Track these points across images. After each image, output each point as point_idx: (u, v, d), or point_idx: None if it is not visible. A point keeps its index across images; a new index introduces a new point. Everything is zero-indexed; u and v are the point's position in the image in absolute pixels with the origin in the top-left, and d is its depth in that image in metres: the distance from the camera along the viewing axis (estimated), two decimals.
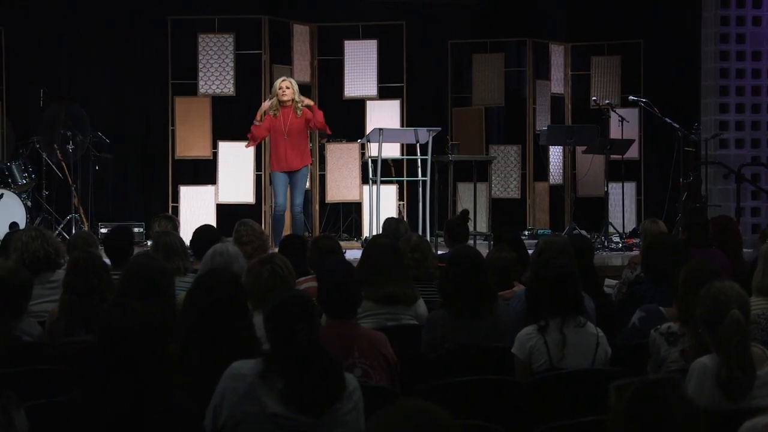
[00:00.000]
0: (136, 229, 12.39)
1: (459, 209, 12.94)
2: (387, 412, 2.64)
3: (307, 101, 11.16)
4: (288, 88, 10.90)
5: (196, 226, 7.85)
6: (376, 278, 5.78)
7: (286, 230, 11.10)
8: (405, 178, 12.84)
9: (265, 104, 11.05)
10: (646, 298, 6.05)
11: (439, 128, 11.61)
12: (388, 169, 13.25)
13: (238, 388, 3.86)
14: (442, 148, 12.00)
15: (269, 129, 10.97)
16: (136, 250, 7.12)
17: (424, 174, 11.50)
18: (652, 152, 14.12)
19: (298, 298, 4.04)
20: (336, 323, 4.78)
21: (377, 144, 11.19)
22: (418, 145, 11.69)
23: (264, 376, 3.85)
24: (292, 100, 10.89)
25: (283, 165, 10.94)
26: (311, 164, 11.44)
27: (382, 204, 11.54)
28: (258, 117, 10.98)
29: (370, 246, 6.12)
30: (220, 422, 3.87)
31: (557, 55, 14.51)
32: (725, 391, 4.12)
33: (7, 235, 7.55)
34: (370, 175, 11.54)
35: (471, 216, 12.08)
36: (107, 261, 6.42)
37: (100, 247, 7.44)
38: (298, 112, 10.89)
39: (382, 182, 11.50)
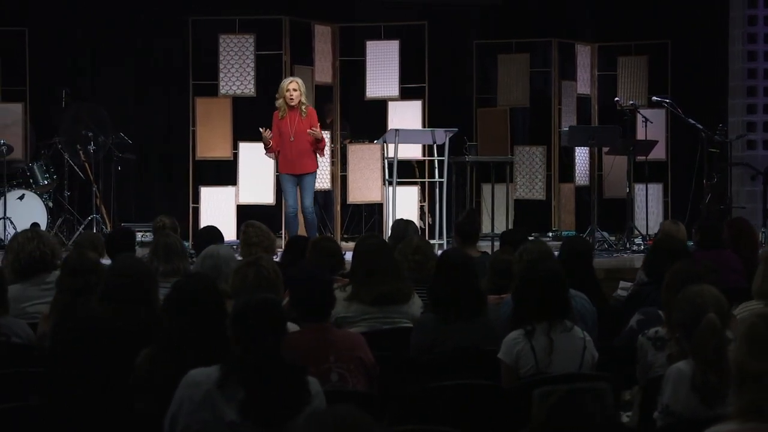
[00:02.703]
0: None
1: (482, 210, 12.85)
2: (317, 415, 2.64)
3: (318, 134, 10.90)
4: (296, 90, 10.79)
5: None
6: (367, 279, 5.72)
7: (301, 231, 11.02)
8: (425, 179, 12.75)
9: (267, 133, 10.89)
10: (649, 300, 5.97)
11: (457, 129, 11.50)
12: (412, 170, 13.16)
13: (194, 396, 3.80)
14: (462, 149, 11.91)
15: (278, 132, 10.88)
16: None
17: (441, 175, 11.41)
18: (679, 153, 13.96)
19: (262, 304, 3.94)
20: (310, 328, 4.70)
21: (394, 145, 11.11)
22: (436, 146, 11.61)
23: (222, 384, 3.78)
24: (299, 102, 10.82)
25: (290, 167, 10.86)
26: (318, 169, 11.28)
27: (404, 205, 11.44)
28: (267, 143, 10.90)
29: (358, 247, 6.02)
30: (177, 430, 3.81)
31: (584, 56, 14.38)
32: (701, 396, 4.02)
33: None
34: (386, 176, 11.46)
35: (490, 217, 12.05)
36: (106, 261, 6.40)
37: None
38: (303, 114, 10.81)
39: (404, 183, 11.40)
